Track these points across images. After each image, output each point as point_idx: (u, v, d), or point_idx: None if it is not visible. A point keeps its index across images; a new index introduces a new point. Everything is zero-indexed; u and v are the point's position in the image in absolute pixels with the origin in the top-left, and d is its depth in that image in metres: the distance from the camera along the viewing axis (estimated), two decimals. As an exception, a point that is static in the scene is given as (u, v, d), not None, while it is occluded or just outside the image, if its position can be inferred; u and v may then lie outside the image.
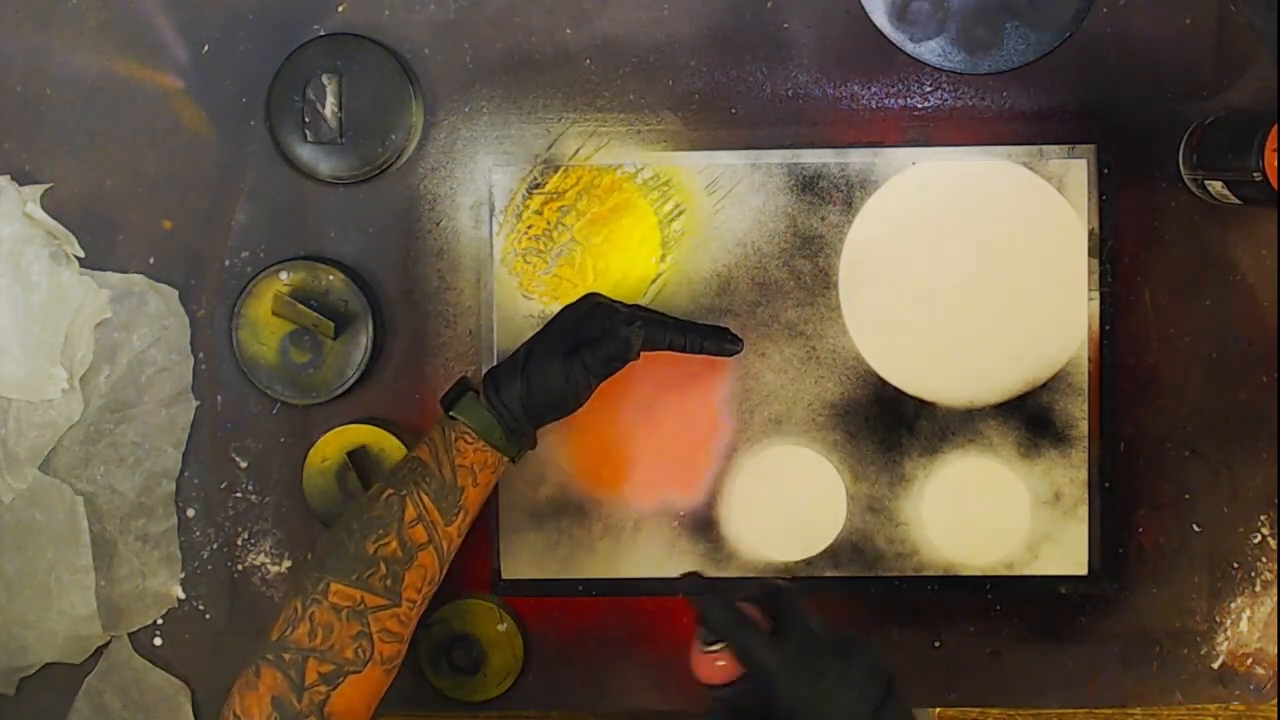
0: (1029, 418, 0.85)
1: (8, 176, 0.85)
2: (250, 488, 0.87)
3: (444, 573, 0.74)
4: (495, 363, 0.85)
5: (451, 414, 0.74)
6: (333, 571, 0.70)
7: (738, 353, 0.79)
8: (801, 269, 0.86)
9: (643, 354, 0.77)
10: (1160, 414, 0.86)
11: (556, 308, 0.86)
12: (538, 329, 0.78)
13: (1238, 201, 0.80)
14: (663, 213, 0.86)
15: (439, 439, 0.74)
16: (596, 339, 0.75)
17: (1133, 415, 0.86)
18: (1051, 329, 0.85)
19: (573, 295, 0.86)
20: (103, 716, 0.87)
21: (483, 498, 0.75)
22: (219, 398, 0.87)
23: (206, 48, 0.86)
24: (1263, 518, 0.86)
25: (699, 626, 0.70)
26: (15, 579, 0.86)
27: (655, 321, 0.77)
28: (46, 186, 0.86)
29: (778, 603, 0.71)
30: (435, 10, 0.85)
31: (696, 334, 0.78)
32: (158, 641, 0.88)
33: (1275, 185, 0.74)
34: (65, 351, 0.85)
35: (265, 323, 0.84)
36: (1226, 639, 0.86)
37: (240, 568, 0.88)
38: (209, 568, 0.88)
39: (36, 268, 0.85)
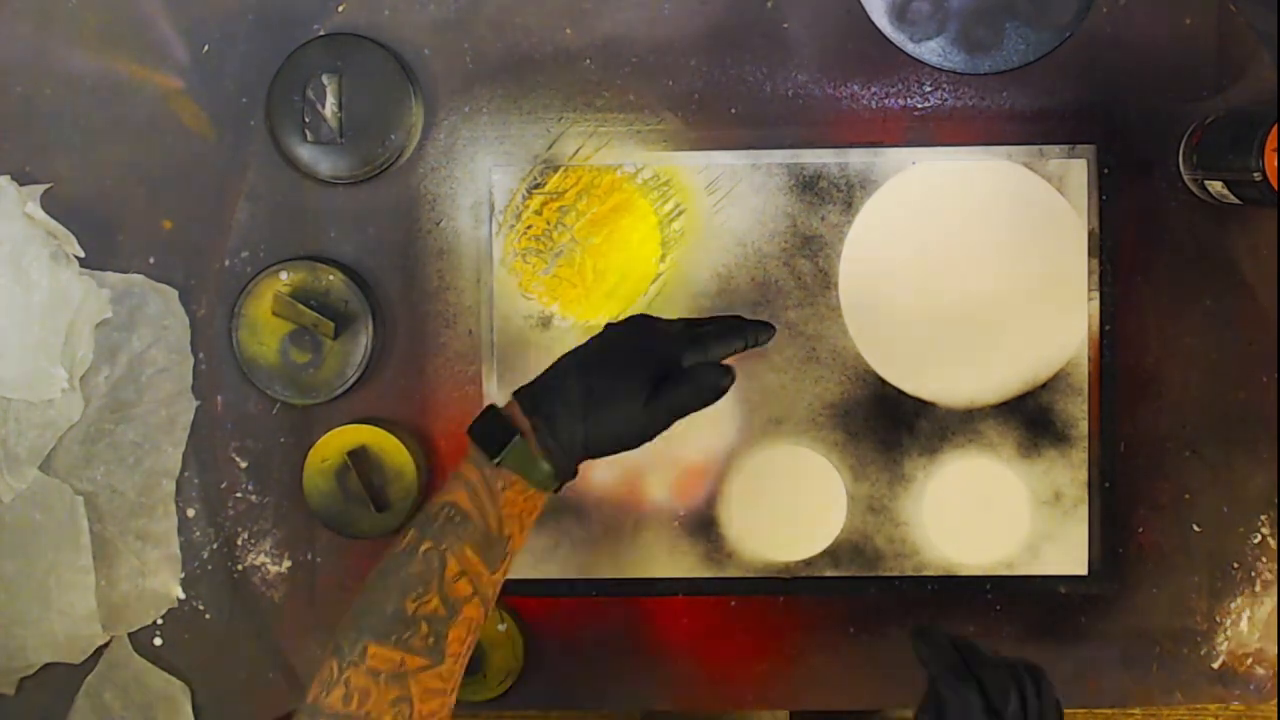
0: (1029, 418, 0.85)
1: (7, 176, 0.85)
2: (250, 488, 0.87)
3: (489, 615, 0.69)
4: (494, 362, 0.85)
5: (499, 462, 0.67)
6: (370, 633, 0.64)
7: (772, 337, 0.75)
8: (801, 269, 0.86)
9: None
10: (1160, 414, 0.86)
11: (556, 308, 0.86)
12: (581, 353, 0.70)
13: (1238, 201, 0.80)
14: (663, 213, 0.86)
15: (481, 488, 0.67)
16: (679, 380, 0.69)
17: (1133, 415, 0.86)
18: (1051, 329, 0.85)
19: (572, 295, 0.86)
20: (103, 717, 0.87)
21: (526, 537, 0.70)
22: (219, 398, 0.87)
23: (206, 48, 0.86)
24: (1263, 518, 0.86)
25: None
26: (15, 579, 0.87)
27: (722, 339, 0.72)
28: (46, 186, 0.86)
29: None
30: (435, 10, 0.85)
31: (750, 334, 0.73)
32: (158, 641, 0.88)
33: (1275, 185, 0.74)
34: (65, 351, 0.85)
35: (265, 323, 0.84)
36: (1226, 639, 0.86)
37: (240, 568, 0.88)
38: (209, 568, 0.88)
39: (36, 267, 0.85)
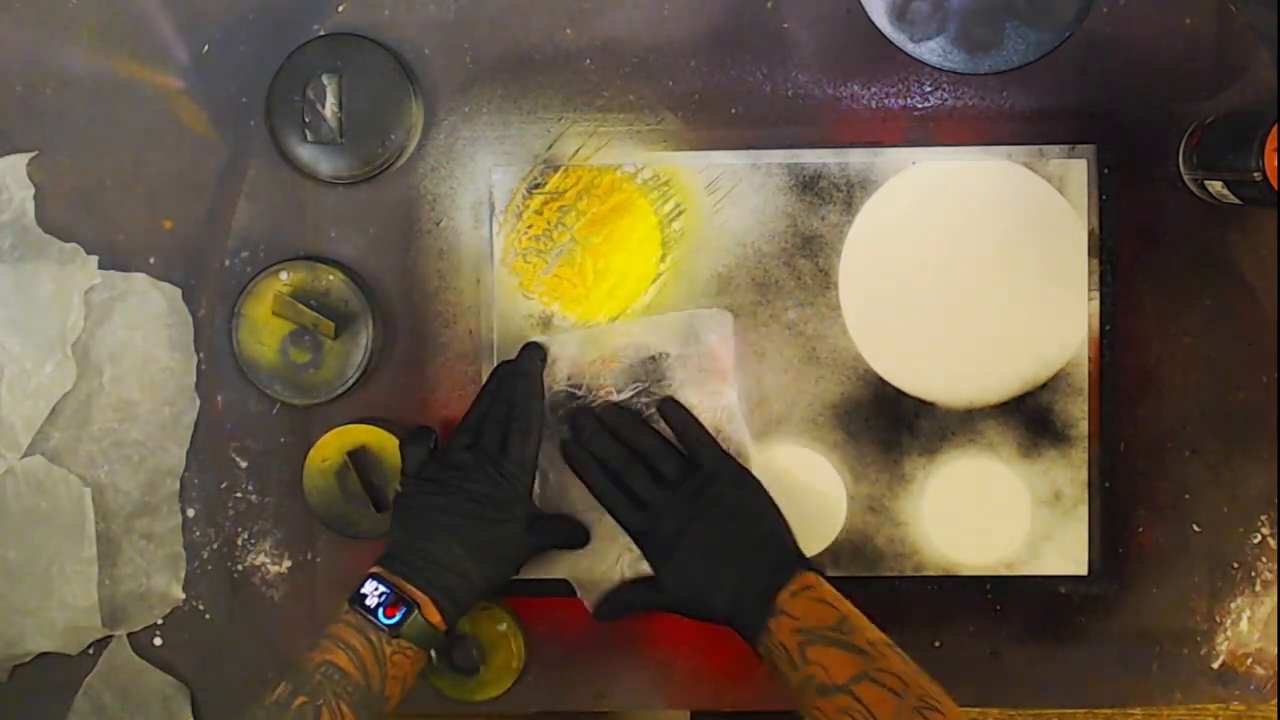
0: (1029, 418, 0.85)
1: (8, 175, 0.86)
2: (250, 488, 0.87)
3: None
4: (494, 362, 0.85)
5: (399, 635, 0.72)
6: None
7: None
8: (801, 269, 0.86)
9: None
10: (1160, 414, 0.86)
11: (557, 307, 0.86)
12: (446, 509, 0.77)
13: (1238, 201, 0.80)
14: (663, 213, 0.86)
15: (366, 653, 0.70)
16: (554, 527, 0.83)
17: (1133, 415, 0.86)
18: (1051, 329, 0.85)
19: (573, 295, 0.86)
20: (102, 717, 0.87)
21: (404, 693, 0.74)
22: (219, 398, 0.87)
23: (206, 48, 0.86)
24: (1263, 518, 0.86)
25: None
26: (18, 566, 0.87)
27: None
28: (45, 186, 0.86)
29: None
30: (435, 10, 0.85)
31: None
32: (158, 641, 0.88)
33: (1275, 185, 0.74)
34: (56, 319, 0.85)
35: (265, 323, 0.84)
36: (1226, 639, 0.86)
37: (240, 568, 0.88)
38: (209, 568, 0.88)
39: (34, 262, 0.85)
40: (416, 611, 0.72)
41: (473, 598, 0.76)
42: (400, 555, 0.75)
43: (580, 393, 0.84)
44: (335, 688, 0.69)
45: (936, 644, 0.87)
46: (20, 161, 0.86)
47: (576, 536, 0.83)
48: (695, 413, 0.84)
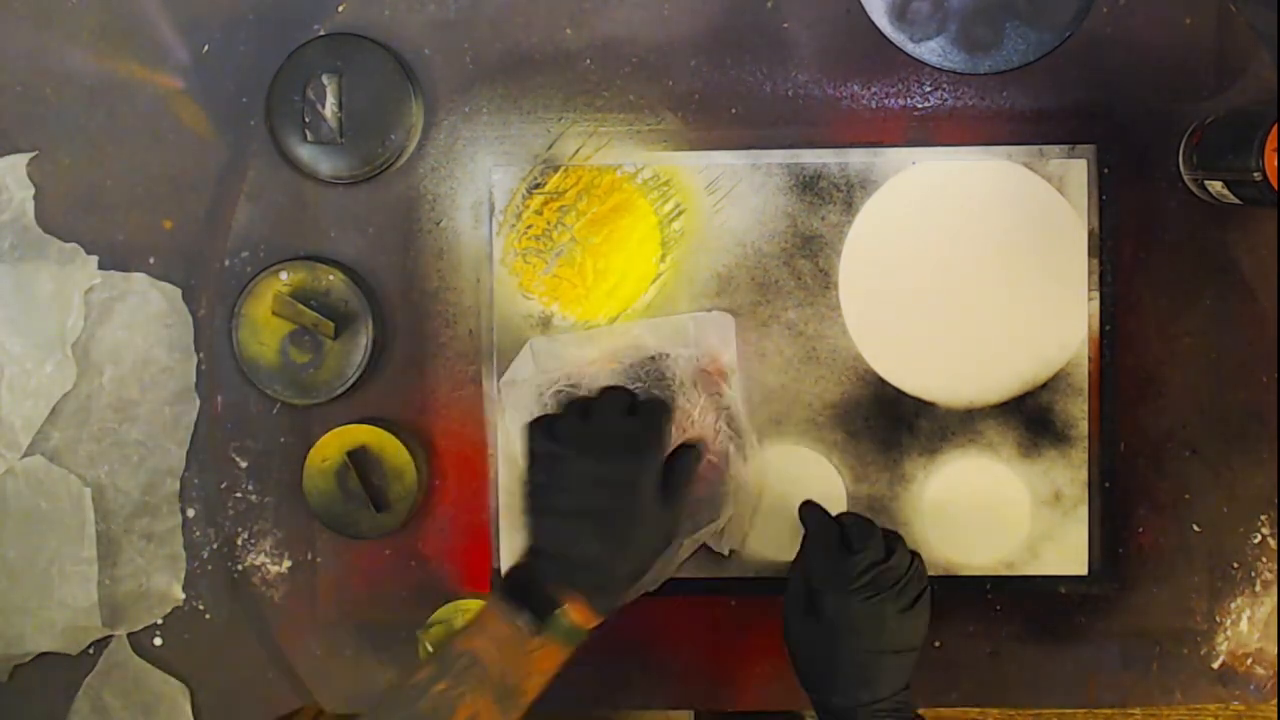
0: (1029, 418, 0.85)
1: (8, 175, 0.86)
2: (250, 488, 0.87)
3: None
4: (494, 362, 0.85)
5: (544, 633, 0.69)
6: None
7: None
8: (801, 269, 0.86)
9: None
10: (1160, 414, 0.86)
11: (556, 307, 0.86)
12: (584, 499, 0.72)
13: (1238, 201, 0.80)
14: (663, 213, 0.86)
15: (513, 647, 0.69)
16: (671, 480, 0.74)
17: (1133, 415, 0.86)
18: (1051, 329, 0.85)
19: (573, 295, 0.86)
20: (102, 717, 0.87)
21: (546, 684, 0.71)
22: (219, 398, 0.87)
23: (206, 48, 0.86)
24: (1263, 518, 0.86)
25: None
26: (18, 566, 0.87)
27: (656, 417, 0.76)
28: (45, 186, 0.86)
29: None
30: (435, 10, 0.85)
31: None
32: (158, 641, 0.88)
33: (1275, 185, 0.74)
34: (56, 319, 0.85)
35: (265, 323, 0.84)
36: (1226, 639, 0.86)
37: (240, 568, 0.88)
38: (209, 568, 0.88)
39: (34, 262, 0.85)
40: (561, 611, 0.70)
41: (626, 595, 0.74)
42: (552, 549, 0.72)
43: (580, 393, 0.84)
44: (479, 678, 0.67)
45: (936, 644, 0.87)
46: (20, 161, 0.86)
47: (691, 470, 0.77)
48: (695, 412, 0.83)
